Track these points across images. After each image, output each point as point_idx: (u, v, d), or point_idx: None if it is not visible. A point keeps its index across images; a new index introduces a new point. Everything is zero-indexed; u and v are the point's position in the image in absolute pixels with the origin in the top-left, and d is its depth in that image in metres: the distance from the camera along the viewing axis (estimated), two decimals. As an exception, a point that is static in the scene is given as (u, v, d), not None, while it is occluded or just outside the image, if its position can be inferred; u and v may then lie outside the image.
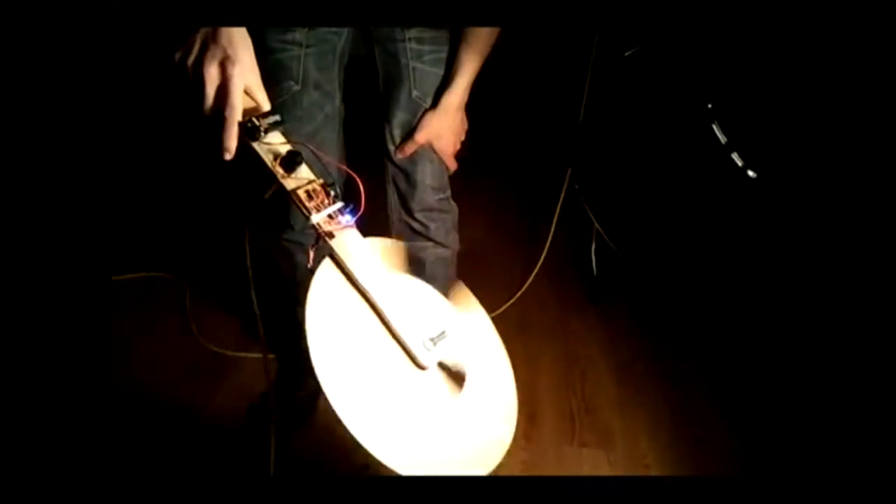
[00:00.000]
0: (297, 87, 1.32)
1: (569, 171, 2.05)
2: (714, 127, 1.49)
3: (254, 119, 0.89)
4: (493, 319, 1.06)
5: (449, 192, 1.58)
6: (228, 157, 0.89)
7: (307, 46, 1.30)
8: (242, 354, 1.94)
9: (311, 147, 0.97)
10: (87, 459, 1.39)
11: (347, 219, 0.91)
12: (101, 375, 0.94)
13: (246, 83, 0.90)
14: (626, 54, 1.73)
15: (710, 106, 1.50)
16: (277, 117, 0.92)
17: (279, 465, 1.62)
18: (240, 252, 1.93)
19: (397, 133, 1.44)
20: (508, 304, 2.11)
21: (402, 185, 1.52)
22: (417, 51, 1.36)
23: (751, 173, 1.48)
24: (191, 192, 2.51)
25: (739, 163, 1.49)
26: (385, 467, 0.79)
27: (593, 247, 2.17)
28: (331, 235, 0.88)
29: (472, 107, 1.46)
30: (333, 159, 1.32)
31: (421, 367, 0.89)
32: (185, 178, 2.53)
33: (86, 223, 0.97)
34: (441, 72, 1.40)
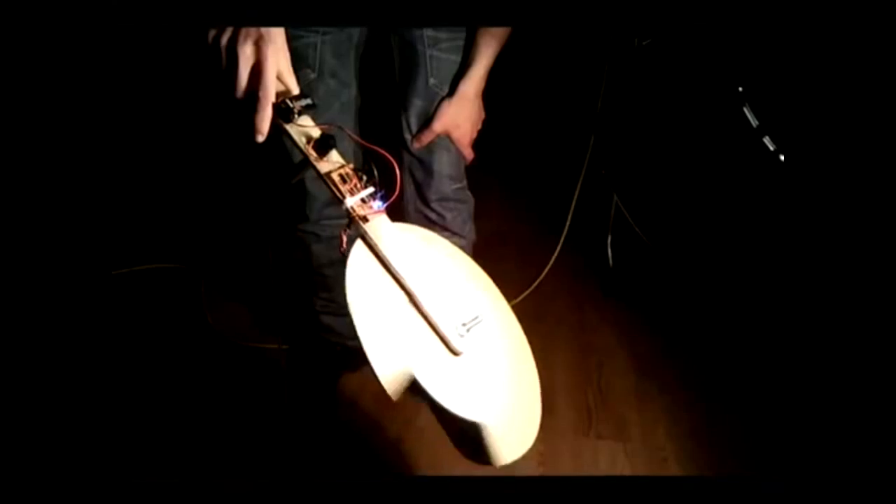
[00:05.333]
0: (313, 76, 1.31)
1: (585, 162, 2.04)
2: (745, 110, 1.48)
3: (287, 101, 0.88)
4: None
5: (465, 182, 1.57)
6: (261, 139, 0.88)
7: (324, 34, 1.29)
8: (257, 345, 1.93)
9: (347, 130, 0.96)
10: (97, 451, 1.38)
11: (378, 204, 0.90)
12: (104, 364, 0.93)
13: (278, 65, 0.89)
14: (644, 43, 1.71)
15: (741, 89, 1.48)
16: (309, 100, 0.91)
17: (293, 459, 1.62)
18: (255, 243, 1.93)
19: (414, 122, 1.43)
20: (525, 294, 2.11)
21: (419, 174, 1.50)
22: (434, 38, 1.35)
23: (782, 157, 1.46)
24: (205, 184, 2.50)
25: (771, 147, 1.48)
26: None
27: (609, 238, 2.16)
28: (364, 220, 0.87)
29: (489, 96, 1.44)
30: (350, 147, 1.31)
31: (454, 353, 0.88)
32: (200, 170, 2.52)
33: (86, 217, 0.97)
34: (458, 59, 1.39)
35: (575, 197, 2.12)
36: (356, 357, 0.84)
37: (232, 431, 1.68)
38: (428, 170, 1.48)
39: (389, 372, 0.80)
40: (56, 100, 2.03)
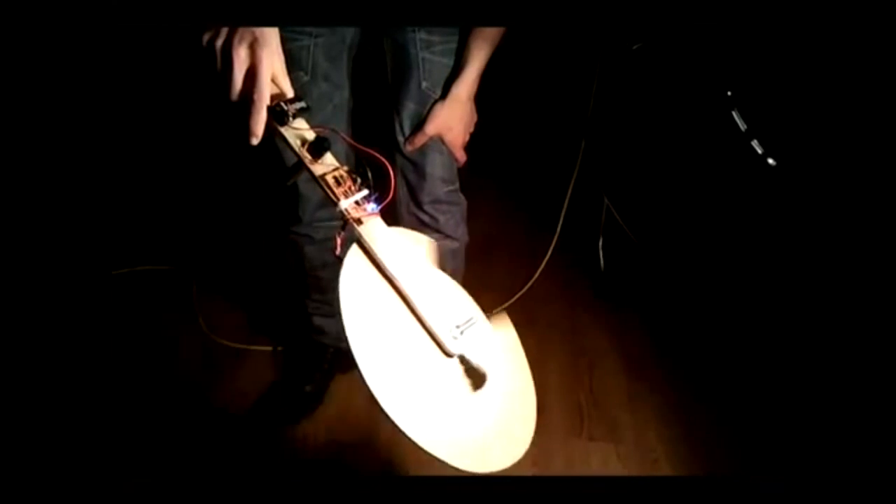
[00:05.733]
0: (306, 78, 1.31)
1: (577, 165, 2.05)
2: (734, 114, 1.49)
3: (281, 104, 0.88)
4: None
5: (458, 185, 1.57)
6: (255, 141, 0.88)
7: (316, 37, 1.29)
8: (249, 347, 1.93)
9: (341, 133, 0.96)
10: (91, 453, 1.37)
11: (373, 206, 0.91)
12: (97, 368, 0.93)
13: (272, 68, 0.89)
14: (635, 47, 1.73)
15: (729, 94, 1.50)
16: (304, 103, 0.91)
17: (285, 460, 1.62)
18: (247, 245, 1.92)
19: (407, 124, 1.43)
20: (516, 297, 2.12)
21: (412, 176, 1.51)
22: (427, 41, 1.35)
23: (771, 161, 1.48)
24: (197, 186, 2.49)
25: (759, 150, 1.49)
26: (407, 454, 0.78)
27: (601, 241, 2.17)
28: (359, 222, 0.87)
29: (481, 99, 1.45)
30: (343, 149, 1.32)
31: (448, 355, 0.88)
32: (191, 172, 2.52)
33: (84, 219, 0.97)
34: (451, 63, 1.39)
35: (566, 200, 2.13)
36: (348, 358, 0.84)
37: (224, 432, 1.68)
38: (420, 172, 1.49)
39: (379, 376, 0.80)
40: (54, 101, 2.03)
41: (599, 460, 1.67)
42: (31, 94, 1.90)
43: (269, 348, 1.90)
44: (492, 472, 0.85)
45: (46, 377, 1.75)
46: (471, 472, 0.82)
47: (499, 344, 0.97)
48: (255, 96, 0.87)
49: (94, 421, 1.66)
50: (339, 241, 0.88)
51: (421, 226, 1.56)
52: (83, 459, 1.56)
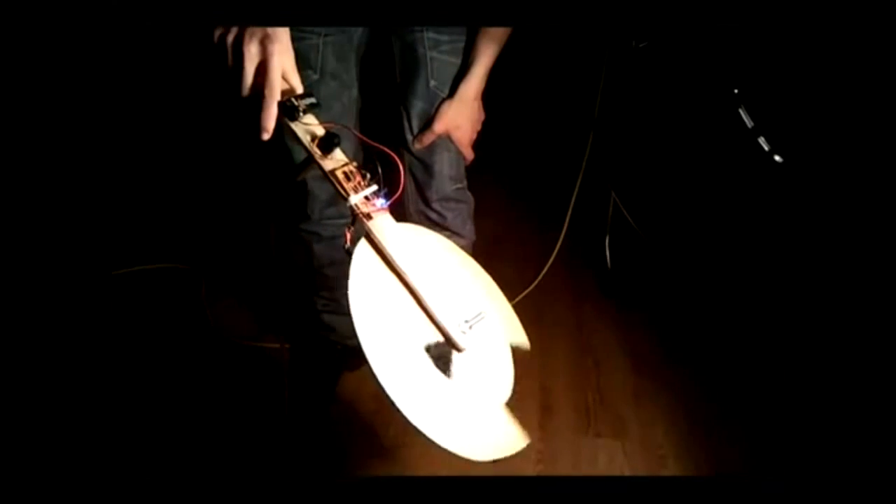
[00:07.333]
0: (315, 77, 1.32)
1: (584, 162, 2.05)
2: (741, 111, 1.50)
3: (292, 99, 0.89)
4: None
5: (466, 182, 1.58)
6: (266, 136, 0.89)
7: (325, 36, 1.30)
8: (258, 344, 1.93)
9: (351, 128, 0.97)
10: (98, 451, 1.38)
11: (382, 202, 0.91)
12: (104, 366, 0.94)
13: (283, 64, 0.90)
14: (640, 45, 1.73)
15: (736, 91, 1.51)
16: (313, 99, 0.92)
17: (291, 459, 1.62)
18: (256, 242, 1.92)
19: (415, 123, 1.44)
20: (523, 294, 2.12)
21: (420, 174, 1.52)
22: (435, 40, 1.36)
23: (777, 158, 1.49)
24: (205, 183, 2.50)
25: (766, 147, 1.50)
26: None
27: (607, 239, 2.17)
28: (368, 217, 0.88)
29: (489, 97, 1.46)
30: (353, 147, 1.33)
31: (457, 349, 0.89)
32: (200, 169, 2.53)
33: (87, 217, 0.98)
34: (458, 61, 1.40)
35: (573, 197, 2.13)
36: (356, 356, 0.85)
37: (232, 431, 1.68)
38: (429, 170, 1.50)
39: (388, 370, 0.80)
40: (57, 99, 2.03)
41: (606, 458, 1.67)
42: (36, 93, 1.91)
43: (278, 346, 1.91)
44: (495, 458, 0.85)
45: (54, 375, 1.76)
46: (474, 460, 0.82)
47: (506, 338, 0.98)
48: (266, 92, 0.88)
49: (102, 419, 1.67)
50: (349, 236, 0.89)
51: (429, 223, 1.56)
52: (90, 459, 1.57)
